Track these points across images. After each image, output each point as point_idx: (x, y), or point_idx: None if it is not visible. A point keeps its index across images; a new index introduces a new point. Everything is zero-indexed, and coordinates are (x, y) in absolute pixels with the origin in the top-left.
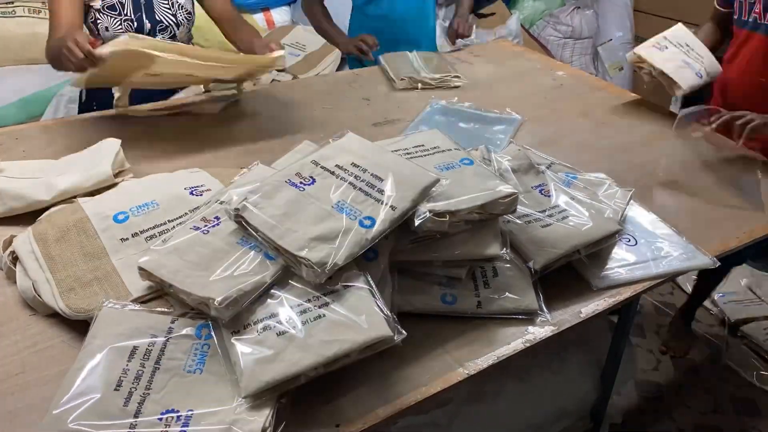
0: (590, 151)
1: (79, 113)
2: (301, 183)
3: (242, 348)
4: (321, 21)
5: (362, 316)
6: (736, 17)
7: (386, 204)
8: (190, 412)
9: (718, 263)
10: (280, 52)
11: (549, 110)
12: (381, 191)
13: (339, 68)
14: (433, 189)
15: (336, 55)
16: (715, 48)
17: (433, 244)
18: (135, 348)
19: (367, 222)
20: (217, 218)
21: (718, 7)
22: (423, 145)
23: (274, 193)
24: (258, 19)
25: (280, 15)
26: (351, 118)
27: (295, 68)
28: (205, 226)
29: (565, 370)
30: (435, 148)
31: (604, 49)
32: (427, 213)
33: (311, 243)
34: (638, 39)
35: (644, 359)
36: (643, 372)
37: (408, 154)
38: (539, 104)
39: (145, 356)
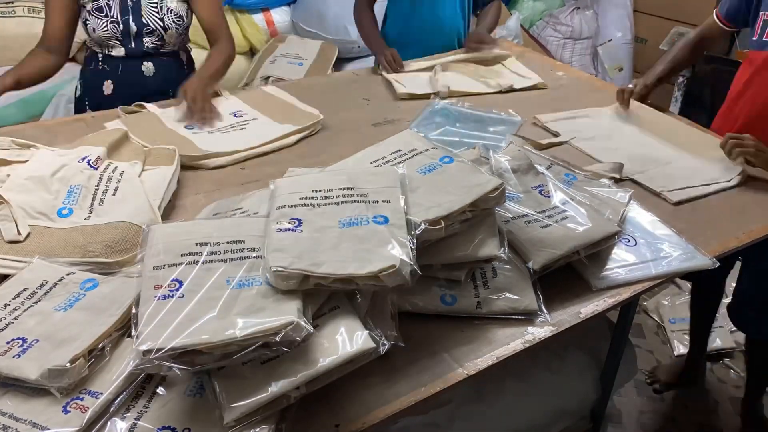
0: None
1: (75, 107)
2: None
3: (223, 380)
4: (366, 27)
5: (343, 333)
6: (755, 38)
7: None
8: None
9: (718, 263)
10: (317, 116)
11: (549, 111)
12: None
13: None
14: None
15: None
16: (679, 70)
17: (432, 247)
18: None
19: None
20: (179, 282)
21: (722, 24)
22: (400, 150)
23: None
24: (258, 20)
25: (280, 15)
26: (351, 118)
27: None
28: (171, 291)
29: (565, 370)
30: (413, 150)
31: (603, 50)
32: (422, 224)
33: (246, 326)
34: (638, 39)
35: (644, 359)
36: (643, 372)
37: (386, 161)
38: (539, 105)
39: (147, 379)
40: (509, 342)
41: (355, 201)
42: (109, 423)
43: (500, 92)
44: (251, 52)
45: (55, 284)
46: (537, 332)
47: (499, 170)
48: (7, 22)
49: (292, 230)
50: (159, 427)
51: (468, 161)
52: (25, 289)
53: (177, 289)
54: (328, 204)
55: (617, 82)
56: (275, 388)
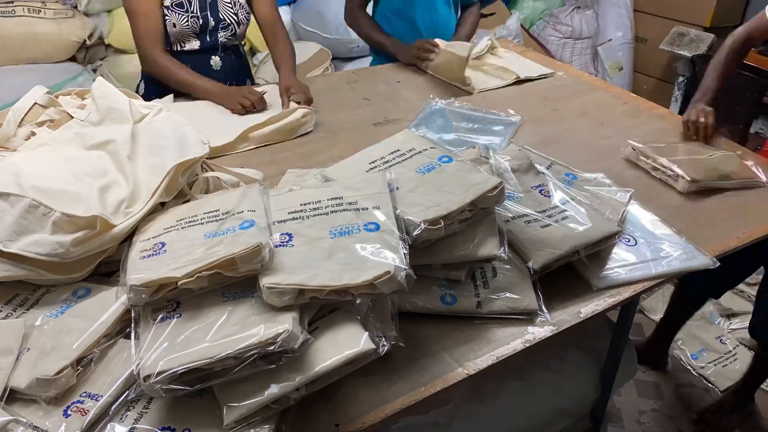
0: (590, 152)
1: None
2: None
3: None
4: (371, 33)
5: (342, 335)
6: None
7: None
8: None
9: (718, 263)
10: (304, 110)
11: (549, 110)
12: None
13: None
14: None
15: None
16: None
17: (431, 247)
18: None
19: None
20: (176, 302)
21: None
22: (399, 150)
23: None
24: None
25: (281, 15)
26: (351, 118)
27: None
28: (170, 313)
29: (565, 370)
30: (411, 150)
31: (603, 49)
32: (422, 225)
33: (242, 337)
34: (638, 39)
35: None
36: (643, 372)
37: (386, 162)
38: (539, 104)
39: None
40: (509, 342)
41: (345, 210)
42: (109, 425)
43: (515, 83)
44: (252, 51)
45: (48, 290)
46: (537, 332)
47: (499, 170)
48: (8, 22)
49: (283, 245)
50: (159, 428)
51: (467, 161)
52: (17, 295)
53: (175, 309)
54: (318, 215)
55: (617, 81)
56: (275, 389)
